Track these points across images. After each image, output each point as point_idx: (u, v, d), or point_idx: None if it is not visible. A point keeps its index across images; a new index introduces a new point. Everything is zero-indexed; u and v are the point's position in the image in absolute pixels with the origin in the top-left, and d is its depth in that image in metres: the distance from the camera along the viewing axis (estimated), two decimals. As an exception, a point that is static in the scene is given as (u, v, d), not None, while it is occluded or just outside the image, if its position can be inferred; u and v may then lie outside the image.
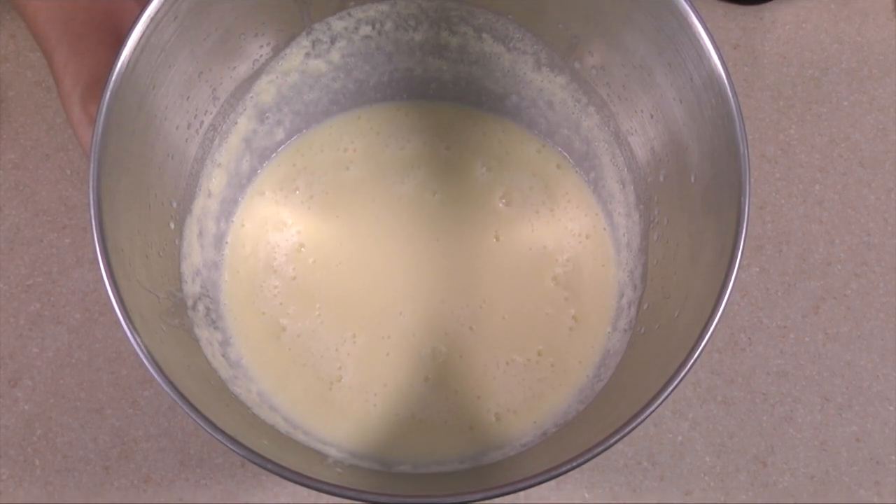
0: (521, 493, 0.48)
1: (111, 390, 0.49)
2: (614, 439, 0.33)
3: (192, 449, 0.48)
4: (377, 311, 0.46)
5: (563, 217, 0.48)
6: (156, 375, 0.34)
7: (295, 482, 0.34)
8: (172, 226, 0.43)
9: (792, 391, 0.51)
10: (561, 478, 0.48)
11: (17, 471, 0.47)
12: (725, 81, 0.37)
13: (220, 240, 0.46)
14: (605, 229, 0.47)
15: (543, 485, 0.48)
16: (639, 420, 0.34)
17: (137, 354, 0.35)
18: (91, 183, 0.35)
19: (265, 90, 0.46)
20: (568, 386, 0.44)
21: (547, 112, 0.48)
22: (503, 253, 0.47)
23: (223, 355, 0.43)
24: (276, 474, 0.34)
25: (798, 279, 0.53)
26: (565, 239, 0.47)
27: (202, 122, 0.44)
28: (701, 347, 0.34)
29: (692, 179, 0.40)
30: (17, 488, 0.47)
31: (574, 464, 0.33)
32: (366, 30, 0.46)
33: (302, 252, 0.47)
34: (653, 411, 0.34)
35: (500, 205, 0.48)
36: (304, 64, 0.46)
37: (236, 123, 0.46)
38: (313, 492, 0.47)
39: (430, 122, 0.49)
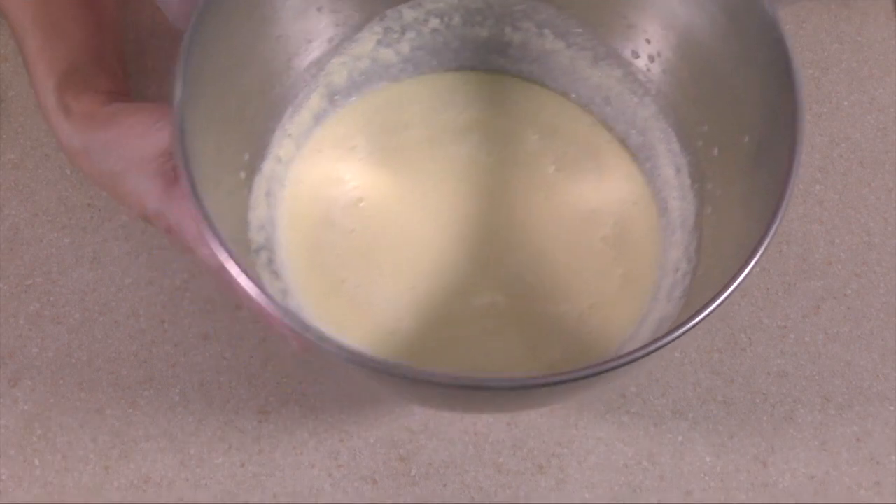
0: (522, 494, 0.48)
1: (111, 390, 0.49)
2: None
3: (192, 449, 0.48)
4: (435, 262, 0.46)
5: (612, 186, 0.49)
6: (258, 298, 0.34)
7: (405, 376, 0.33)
8: (243, 175, 0.44)
9: (792, 391, 0.51)
10: (561, 477, 0.48)
11: (17, 471, 0.47)
12: (779, 26, 0.40)
13: (281, 196, 0.47)
14: (651, 202, 0.48)
15: (543, 484, 0.48)
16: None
17: (238, 280, 0.34)
18: (176, 102, 0.36)
19: (337, 71, 0.47)
20: (615, 343, 0.45)
21: (604, 108, 0.50)
22: (553, 212, 0.48)
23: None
24: (381, 371, 0.34)
25: (798, 279, 0.53)
26: (614, 205, 0.48)
27: (276, 88, 0.45)
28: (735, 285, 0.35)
29: (745, 140, 0.41)
30: (17, 488, 0.47)
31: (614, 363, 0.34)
32: (434, 22, 0.48)
33: (360, 206, 0.47)
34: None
35: (551, 169, 0.49)
36: (375, 51, 0.48)
37: (308, 98, 0.47)
38: (314, 491, 0.47)
39: (488, 92, 0.51)
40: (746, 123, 0.42)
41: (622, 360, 0.34)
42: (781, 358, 0.52)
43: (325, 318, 0.45)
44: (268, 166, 0.46)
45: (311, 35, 0.45)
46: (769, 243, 0.35)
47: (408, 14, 0.47)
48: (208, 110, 0.39)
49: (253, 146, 0.45)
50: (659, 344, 0.35)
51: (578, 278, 0.46)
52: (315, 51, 0.46)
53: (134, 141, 0.45)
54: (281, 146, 0.47)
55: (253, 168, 0.45)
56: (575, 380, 0.34)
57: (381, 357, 0.35)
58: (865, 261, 0.54)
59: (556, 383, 0.34)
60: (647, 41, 0.46)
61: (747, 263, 0.35)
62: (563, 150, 0.49)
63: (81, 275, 0.52)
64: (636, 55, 0.47)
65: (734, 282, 0.35)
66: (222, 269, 0.34)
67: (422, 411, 0.49)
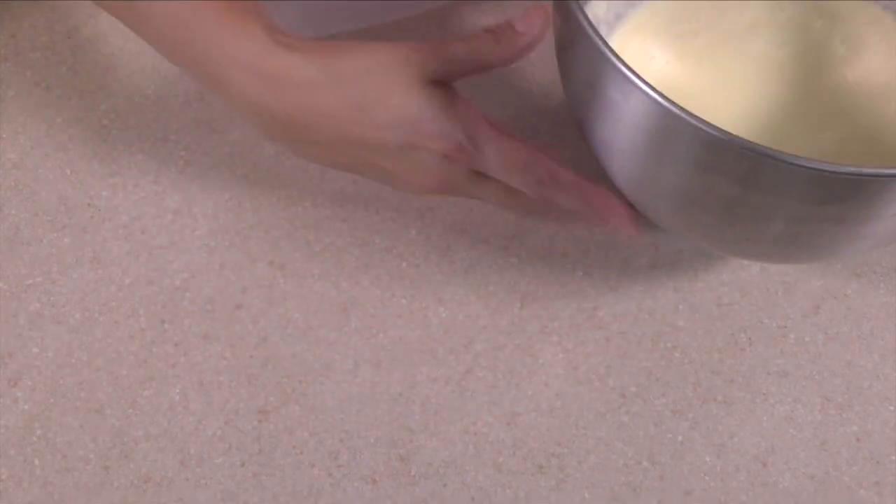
0: (522, 494, 0.48)
1: (111, 390, 0.49)
2: None
3: (192, 449, 0.48)
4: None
5: None
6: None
7: None
8: None
9: (792, 391, 0.51)
10: (561, 478, 0.48)
11: (16, 471, 0.47)
12: None
13: None
14: None
15: (543, 484, 0.48)
16: None
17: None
18: None
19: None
20: None
21: None
22: (852, 86, 0.50)
23: None
24: None
25: (798, 279, 0.53)
26: None
27: None
28: None
29: None
30: (17, 488, 0.47)
31: None
32: None
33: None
34: None
35: (842, 50, 0.52)
36: None
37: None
38: (314, 491, 0.47)
39: None
40: None
41: None
42: (781, 358, 0.52)
43: None
44: None
45: None
46: None
47: None
48: None
49: None
50: None
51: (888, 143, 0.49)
52: None
53: (394, 67, 0.43)
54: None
55: None
56: None
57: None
58: (865, 261, 0.54)
59: None
60: None
61: None
62: (848, 32, 0.52)
63: (81, 275, 0.52)
64: None
65: None
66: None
67: (422, 411, 0.49)
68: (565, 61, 0.45)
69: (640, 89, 0.38)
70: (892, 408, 0.51)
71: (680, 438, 0.50)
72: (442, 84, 0.44)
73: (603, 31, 0.48)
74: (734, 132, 0.38)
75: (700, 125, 0.37)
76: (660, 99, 0.38)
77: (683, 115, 0.37)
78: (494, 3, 0.59)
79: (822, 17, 0.53)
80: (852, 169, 0.36)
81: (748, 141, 0.37)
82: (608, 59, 0.39)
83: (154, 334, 0.50)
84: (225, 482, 0.48)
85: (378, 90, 0.43)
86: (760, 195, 0.39)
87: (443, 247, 0.53)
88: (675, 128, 0.38)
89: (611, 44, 0.42)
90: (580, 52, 0.41)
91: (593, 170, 0.46)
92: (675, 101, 0.43)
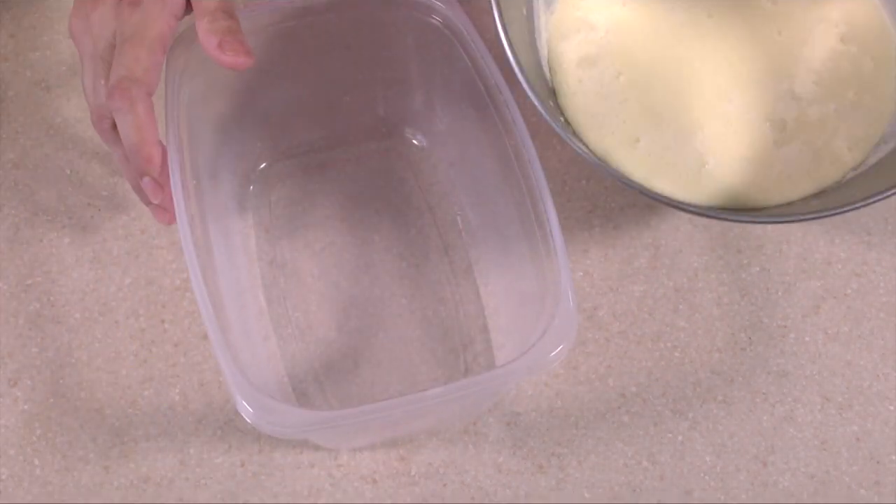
0: (522, 494, 0.48)
1: (111, 390, 0.49)
2: None
3: (192, 449, 0.48)
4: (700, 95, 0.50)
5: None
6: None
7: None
8: (524, 11, 0.50)
9: (792, 391, 0.51)
10: (561, 477, 0.48)
11: (16, 471, 0.47)
12: None
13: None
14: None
15: (543, 484, 0.48)
16: None
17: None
18: None
19: None
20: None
21: None
22: (789, 41, 0.51)
23: None
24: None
25: (798, 279, 0.53)
26: (849, 14, 0.52)
27: None
28: None
29: None
30: (17, 488, 0.47)
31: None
32: None
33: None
34: None
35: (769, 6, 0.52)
36: None
37: None
38: (314, 491, 0.47)
39: None
40: None
41: None
42: (781, 358, 0.52)
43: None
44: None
45: None
46: None
47: None
48: None
49: None
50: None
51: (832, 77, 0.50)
52: None
53: None
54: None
55: (531, 6, 0.50)
56: None
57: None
58: (865, 261, 0.54)
59: None
60: None
61: None
62: None
63: (81, 275, 0.52)
64: None
65: None
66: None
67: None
68: None
69: None
70: (892, 408, 0.51)
71: (680, 438, 0.50)
72: None
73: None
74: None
75: None
76: None
77: None
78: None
79: None
80: None
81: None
82: None
83: (154, 334, 0.50)
84: (225, 482, 0.48)
85: None
86: None
87: (443, 247, 0.53)
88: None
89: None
90: None
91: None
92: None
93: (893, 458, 0.50)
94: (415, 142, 0.55)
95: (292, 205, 0.53)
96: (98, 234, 0.53)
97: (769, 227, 0.54)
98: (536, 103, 0.44)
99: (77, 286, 0.51)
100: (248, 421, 0.40)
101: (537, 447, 0.49)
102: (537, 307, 0.45)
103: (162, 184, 0.44)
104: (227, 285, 0.47)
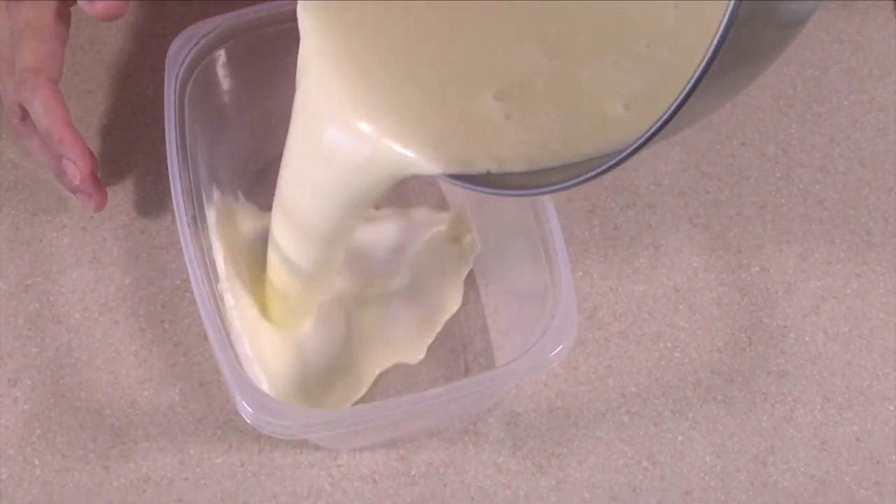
0: (522, 494, 0.48)
1: (111, 390, 0.49)
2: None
3: (192, 449, 0.48)
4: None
5: None
6: None
7: None
8: None
9: (792, 391, 0.51)
10: (561, 477, 0.48)
11: (16, 471, 0.47)
12: None
13: None
14: None
15: (543, 484, 0.48)
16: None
17: None
18: None
19: None
20: None
21: None
22: None
23: None
24: None
25: (798, 279, 0.53)
26: None
27: None
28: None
29: None
30: (17, 488, 0.47)
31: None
32: None
33: None
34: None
35: None
36: None
37: None
38: (314, 491, 0.47)
39: None
40: None
41: None
42: (781, 358, 0.52)
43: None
44: None
45: None
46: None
47: None
48: None
49: None
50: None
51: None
52: None
53: None
54: None
55: None
56: None
57: None
58: (865, 261, 0.54)
59: None
60: None
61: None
62: None
63: (81, 275, 0.52)
64: None
65: None
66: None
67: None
68: None
69: None
70: (892, 408, 0.51)
71: (680, 438, 0.50)
72: None
73: None
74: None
75: None
76: None
77: None
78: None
79: None
80: None
81: None
82: None
83: (154, 334, 0.50)
84: (225, 482, 0.48)
85: None
86: None
87: (443, 247, 0.53)
88: None
89: None
90: None
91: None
92: None
93: (893, 458, 0.50)
94: (415, 142, 0.55)
95: (292, 205, 0.53)
96: (98, 234, 0.53)
97: (769, 225, 0.54)
98: None
99: (77, 286, 0.51)
100: (248, 421, 0.40)
101: (537, 447, 0.49)
102: (537, 307, 0.45)
103: (81, 167, 0.45)
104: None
